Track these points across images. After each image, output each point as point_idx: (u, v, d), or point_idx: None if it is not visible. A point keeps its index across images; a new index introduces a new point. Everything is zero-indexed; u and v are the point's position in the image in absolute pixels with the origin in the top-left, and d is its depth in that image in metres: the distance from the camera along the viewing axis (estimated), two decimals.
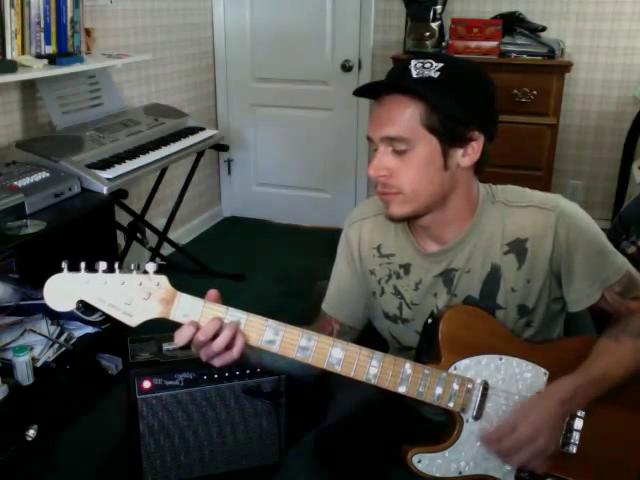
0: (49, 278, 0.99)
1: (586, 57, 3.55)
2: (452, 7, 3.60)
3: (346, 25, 3.77)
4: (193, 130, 3.02)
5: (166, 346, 1.90)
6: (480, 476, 1.17)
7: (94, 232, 2.33)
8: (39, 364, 2.13)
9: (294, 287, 3.16)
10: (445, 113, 1.10)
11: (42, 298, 1.00)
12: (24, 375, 2.04)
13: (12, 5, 2.21)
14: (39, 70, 2.28)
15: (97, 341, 2.35)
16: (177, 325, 1.03)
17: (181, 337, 1.03)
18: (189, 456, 1.93)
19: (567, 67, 3.26)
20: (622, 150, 3.48)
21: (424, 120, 1.10)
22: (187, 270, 3.38)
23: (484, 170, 1.21)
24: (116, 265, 1.00)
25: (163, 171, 3.16)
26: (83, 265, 0.99)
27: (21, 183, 2.11)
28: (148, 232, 3.17)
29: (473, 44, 3.31)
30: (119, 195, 2.39)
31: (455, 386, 1.14)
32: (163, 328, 1.17)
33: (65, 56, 2.42)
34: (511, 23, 3.35)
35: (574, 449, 1.17)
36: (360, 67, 3.81)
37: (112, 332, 2.31)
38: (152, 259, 3.29)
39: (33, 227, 1.99)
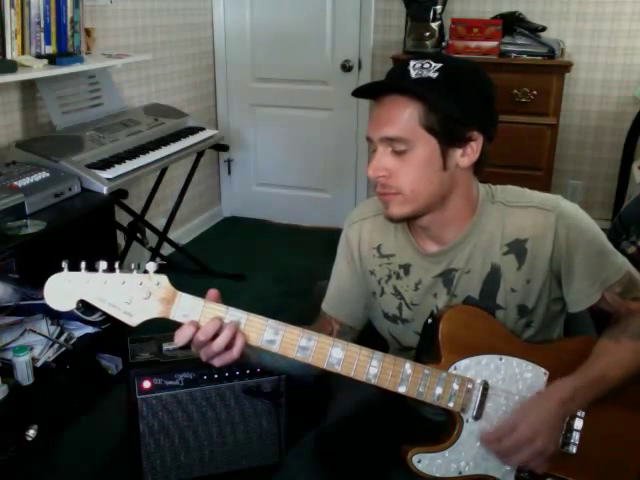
0: (49, 278, 0.99)
1: (586, 57, 3.55)
2: (452, 7, 3.60)
3: (346, 25, 3.77)
4: (193, 130, 3.02)
5: (166, 346, 1.90)
6: (480, 476, 1.17)
7: (94, 232, 2.33)
8: (39, 364, 2.13)
9: (294, 287, 3.16)
10: (444, 113, 1.10)
11: (42, 298, 1.00)
12: (24, 375, 2.04)
13: (12, 5, 2.21)
14: (39, 70, 2.28)
15: (97, 341, 2.35)
16: (177, 325, 1.03)
17: (181, 337, 1.03)
18: (189, 456, 1.93)
19: (567, 67, 3.26)
20: (622, 150, 3.48)
21: (423, 120, 1.10)
22: (187, 270, 3.38)
23: (483, 170, 1.21)
24: (116, 265, 1.00)
25: (163, 171, 3.16)
26: (83, 265, 0.99)
27: (21, 183, 2.11)
28: (148, 232, 3.17)
29: (473, 44, 3.31)
30: (119, 195, 2.39)
31: (455, 386, 1.14)
32: (163, 328, 1.17)
33: (65, 56, 2.42)
34: (511, 23, 3.35)
35: (574, 449, 1.17)
36: (360, 67, 3.81)
37: (112, 332, 2.31)
38: (152, 259, 3.29)
39: (33, 227, 1.99)
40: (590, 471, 1.18)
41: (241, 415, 1.94)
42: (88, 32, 2.68)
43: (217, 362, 1.07)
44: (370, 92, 1.19)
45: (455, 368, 1.15)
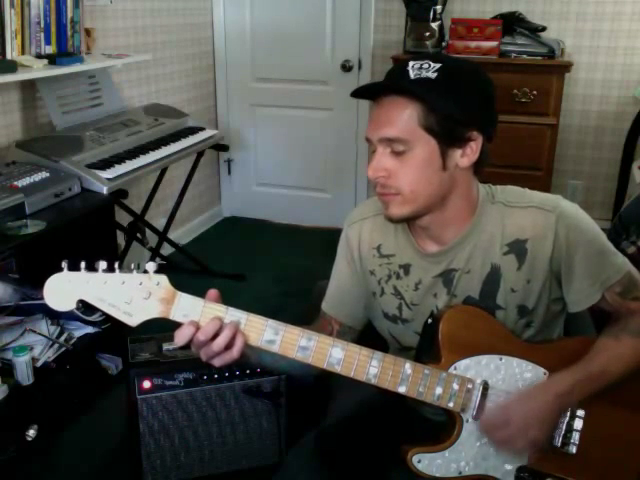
0: (49, 278, 0.99)
1: (586, 57, 3.55)
2: (452, 7, 3.60)
3: (346, 25, 3.77)
4: (193, 130, 3.02)
5: (166, 346, 1.90)
6: (480, 476, 1.17)
7: (94, 232, 2.33)
8: (39, 364, 2.13)
9: (294, 287, 3.16)
10: (443, 114, 1.10)
11: (42, 298, 1.00)
12: (24, 375, 2.04)
13: (12, 5, 2.21)
14: (39, 70, 2.28)
15: (97, 341, 2.35)
16: (177, 325, 1.03)
17: (181, 337, 1.03)
18: (189, 456, 1.93)
19: (567, 67, 3.26)
20: (622, 150, 3.48)
21: (422, 121, 1.10)
22: (187, 270, 3.38)
23: (483, 170, 1.21)
24: (116, 265, 1.00)
25: (163, 171, 3.16)
26: (83, 265, 0.99)
27: (21, 183, 2.11)
28: (148, 232, 3.17)
29: (473, 44, 3.31)
30: (119, 195, 2.39)
31: (455, 386, 1.14)
32: (163, 328, 1.17)
33: (65, 56, 2.42)
34: (511, 23, 3.35)
35: (574, 449, 1.17)
36: (360, 67, 3.81)
37: (112, 332, 2.31)
38: (152, 259, 3.29)
39: (33, 227, 1.99)
40: (590, 471, 1.18)
41: (241, 415, 1.94)
42: (88, 32, 2.68)
43: (217, 362, 1.07)
44: (369, 93, 1.19)
45: (455, 368, 1.15)
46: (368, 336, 1.36)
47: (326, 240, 3.30)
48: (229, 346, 1.04)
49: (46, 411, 2.16)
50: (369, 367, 1.10)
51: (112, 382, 2.40)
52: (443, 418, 1.20)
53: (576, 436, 1.17)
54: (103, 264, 1.00)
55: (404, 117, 1.10)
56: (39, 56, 2.35)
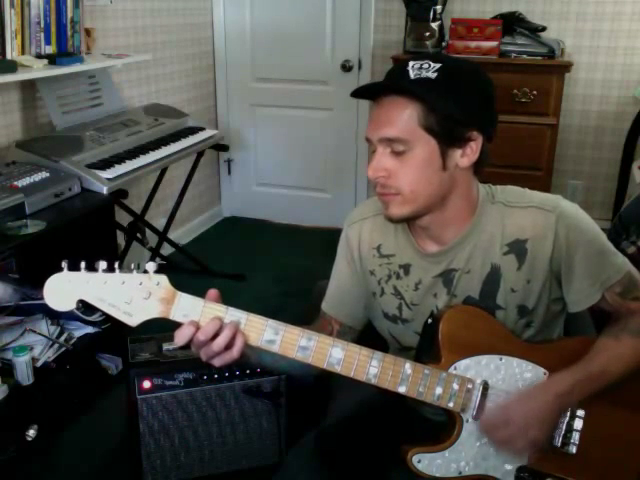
0: (49, 278, 0.99)
1: (586, 57, 3.55)
2: (452, 7, 3.60)
3: (346, 25, 3.77)
4: (193, 130, 3.02)
5: (166, 346, 1.90)
6: (480, 476, 1.17)
7: (94, 232, 2.33)
8: (39, 364, 2.13)
9: (294, 287, 3.16)
10: (443, 114, 1.10)
11: (42, 298, 1.00)
12: (24, 375, 2.04)
13: (12, 5, 2.21)
14: (39, 70, 2.28)
15: (97, 341, 2.35)
16: (177, 325, 1.03)
17: (181, 337, 1.03)
18: (189, 456, 1.93)
19: (567, 67, 3.26)
20: (622, 150, 3.48)
21: (422, 121, 1.10)
22: (187, 270, 3.38)
23: (483, 170, 1.21)
24: (116, 265, 1.00)
25: (163, 171, 3.16)
26: (83, 265, 0.99)
27: (21, 183, 2.11)
28: (148, 232, 3.17)
29: (473, 44, 3.31)
30: (119, 195, 2.39)
31: (455, 386, 1.14)
32: (163, 328, 1.17)
33: (65, 56, 2.42)
34: (511, 23, 3.35)
35: (574, 449, 1.17)
36: (360, 67, 3.81)
37: (112, 332, 2.31)
38: (152, 259, 3.29)
39: (33, 227, 1.99)
40: (590, 471, 1.18)
41: (241, 415, 1.94)
42: (88, 32, 2.68)
43: (217, 362, 1.07)
44: (369, 93, 1.19)
45: (455, 368, 1.15)
46: (368, 336, 1.36)
47: (326, 240, 3.30)
48: (229, 346, 1.04)
49: (46, 411, 2.16)
50: (369, 367, 1.10)
51: (112, 382, 2.40)
52: (443, 418, 1.20)
53: (576, 436, 1.17)
54: (103, 264, 1.00)
55: (404, 117, 1.10)
56: (39, 56, 2.35)
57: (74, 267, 0.99)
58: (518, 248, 1.19)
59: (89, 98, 2.73)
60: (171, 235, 3.48)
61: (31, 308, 2.27)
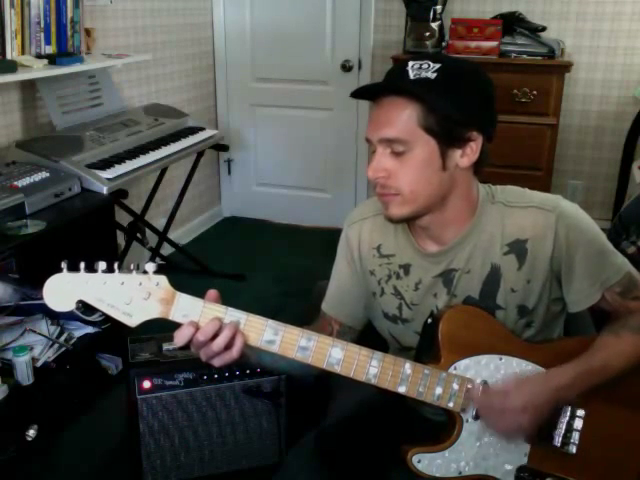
0: (49, 278, 0.99)
1: (586, 57, 3.55)
2: (452, 7, 3.60)
3: (346, 25, 3.77)
4: (193, 130, 3.02)
5: (166, 346, 1.90)
6: (480, 476, 1.18)
7: (94, 232, 2.33)
8: (39, 364, 2.13)
9: (294, 287, 3.16)
10: (442, 114, 1.10)
11: (42, 298, 1.00)
12: (24, 375, 2.04)
13: (12, 5, 2.21)
14: (39, 70, 2.28)
15: (97, 341, 2.35)
16: (177, 325, 1.04)
17: (181, 337, 1.03)
18: (189, 456, 1.93)
19: (567, 67, 3.26)
20: (622, 150, 3.48)
21: (422, 121, 1.10)
22: (187, 270, 3.38)
23: (483, 170, 1.21)
24: (115, 265, 1.00)
25: (163, 171, 3.16)
26: (83, 265, 0.99)
27: (21, 183, 2.11)
28: (148, 232, 3.17)
29: (473, 44, 3.31)
30: (119, 195, 2.39)
31: (455, 386, 1.14)
32: (163, 328, 1.17)
33: (65, 56, 2.42)
34: (511, 23, 3.35)
35: (574, 449, 1.17)
36: (360, 67, 3.81)
37: (112, 332, 2.31)
38: (152, 259, 3.29)
39: (33, 227, 1.99)
40: (590, 471, 1.19)
41: (241, 415, 1.94)
42: (88, 32, 2.68)
43: (217, 362, 1.07)
44: (369, 93, 1.19)
45: (455, 368, 1.15)
46: (368, 336, 1.36)
47: (326, 240, 3.30)
48: (229, 346, 1.04)
49: (46, 411, 2.16)
50: (369, 367, 1.10)
51: (112, 382, 2.40)
52: (443, 418, 1.20)
53: (576, 436, 1.17)
54: (102, 264, 1.00)
55: (403, 117, 1.10)
56: (39, 56, 2.35)
57: (74, 267, 0.99)
58: (518, 248, 1.19)
59: (89, 98, 2.73)
60: (171, 235, 3.48)
61: (31, 308, 2.27)
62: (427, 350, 1.19)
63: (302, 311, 1.65)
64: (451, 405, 1.14)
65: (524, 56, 3.30)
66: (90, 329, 2.34)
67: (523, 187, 1.26)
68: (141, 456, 1.89)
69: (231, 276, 3.38)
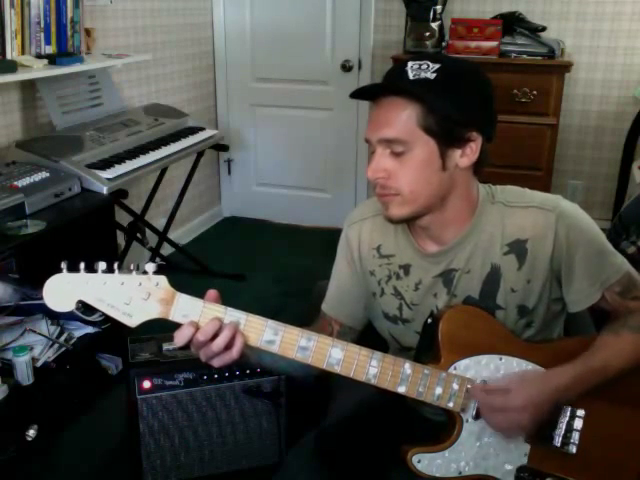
0: (49, 278, 0.99)
1: (586, 57, 3.55)
2: (452, 7, 3.60)
3: (346, 25, 3.77)
4: (193, 130, 3.02)
5: (166, 346, 1.90)
6: (480, 476, 1.18)
7: (94, 232, 2.33)
8: (39, 364, 2.13)
9: (294, 287, 3.16)
10: (442, 114, 1.10)
11: (42, 298, 1.00)
12: (24, 375, 2.04)
13: (12, 5, 2.21)
14: (39, 70, 2.28)
15: (97, 341, 2.35)
16: (177, 325, 1.04)
17: (181, 337, 1.03)
18: (189, 456, 1.93)
19: (567, 67, 3.26)
20: (622, 150, 3.48)
21: (421, 122, 1.10)
22: (187, 270, 3.38)
23: (483, 170, 1.21)
24: (115, 265, 1.00)
25: (163, 171, 3.16)
26: (82, 265, 0.99)
27: (21, 183, 2.11)
28: (148, 232, 3.17)
29: (473, 44, 3.31)
30: (119, 195, 2.39)
31: (455, 386, 1.14)
32: (163, 328, 1.17)
33: (65, 56, 2.42)
34: (511, 23, 3.35)
35: (574, 449, 1.17)
36: (360, 67, 3.81)
37: (112, 332, 2.31)
38: (152, 259, 3.29)
39: (33, 227, 1.99)
40: (590, 471, 1.18)
41: (241, 415, 1.94)
42: (88, 32, 2.68)
43: (216, 362, 1.07)
44: (368, 94, 1.19)
45: (455, 368, 1.15)
46: (368, 336, 1.36)
47: (326, 240, 3.30)
48: (228, 346, 1.04)
49: (46, 411, 2.16)
50: (369, 367, 1.10)
51: (112, 382, 2.41)
52: (443, 418, 1.20)
53: (576, 436, 1.17)
54: (102, 265, 1.00)
55: (403, 118, 1.10)
56: (39, 56, 2.35)
57: (74, 267, 0.99)
58: (518, 248, 1.19)
59: (89, 98, 2.73)
60: (171, 235, 3.48)
61: (31, 308, 2.27)
62: (427, 350, 1.19)
63: (302, 311, 1.65)
64: (451, 405, 1.14)
65: (524, 56, 3.30)
66: (90, 329, 2.34)
67: (523, 187, 1.26)
68: (141, 456, 1.89)
69: (231, 276, 3.38)
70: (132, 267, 1.01)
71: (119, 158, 2.48)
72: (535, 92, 3.21)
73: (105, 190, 2.28)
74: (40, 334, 2.20)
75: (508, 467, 1.17)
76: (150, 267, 1.01)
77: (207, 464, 1.95)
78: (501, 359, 1.16)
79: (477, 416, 1.15)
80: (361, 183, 4.03)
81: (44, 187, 2.15)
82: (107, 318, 2.02)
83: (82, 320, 2.32)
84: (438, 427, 1.22)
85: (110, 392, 2.34)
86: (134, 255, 3.13)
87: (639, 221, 1.77)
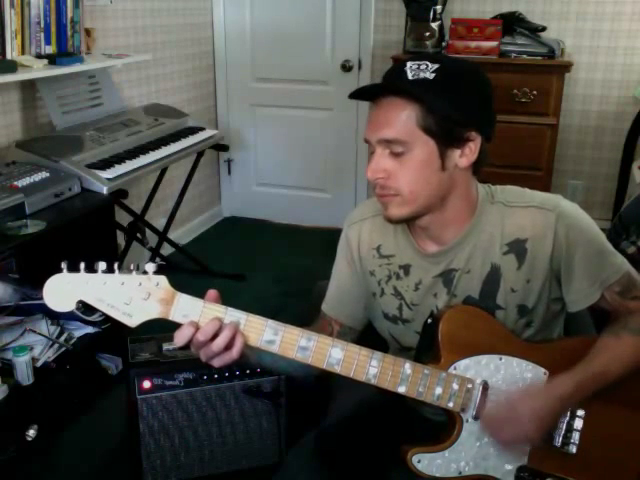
0: (49, 278, 0.99)
1: (586, 57, 3.55)
2: (452, 7, 3.60)
3: (346, 25, 3.77)
4: (193, 130, 3.02)
5: (166, 346, 1.90)
6: (480, 476, 1.18)
7: (94, 232, 2.33)
8: (39, 364, 2.13)
9: (294, 287, 3.16)
10: (441, 114, 1.10)
11: (42, 298, 1.00)
12: (24, 375, 2.04)
13: (12, 5, 2.21)
14: (39, 70, 2.28)
15: (97, 341, 2.35)
16: (177, 325, 1.04)
17: (181, 337, 1.03)
18: (189, 456, 1.93)
19: (567, 67, 3.26)
20: (622, 150, 3.48)
21: (420, 122, 1.10)
22: (187, 270, 3.38)
23: (483, 170, 1.21)
24: (115, 265, 1.00)
25: (163, 171, 3.16)
26: (83, 265, 0.99)
27: (21, 183, 2.11)
28: (148, 232, 3.17)
29: (473, 44, 3.31)
30: (119, 195, 2.39)
31: (455, 386, 1.14)
32: (163, 328, 1.17)
33: (65, 56, 2.42)
34: (511, 23, 3.35)
35: (574, 449, 1.17)
36: (360, 67, 3.81)
37: (112, 332, 2.31)
38: (152, 259, 3.29)
39: (33, 227, 1.99)
40: (590, 471, 1.18)
41: (241, 415, 1.94)
42: (88, 32, 2.68)
43: (216, 362, 1.07)
44: (367, 94, 1.19)
45: (455, 368, 1.15)
46: (368, 336, 1.36)
47: (326, 240, 3.30)
48: (229, 346, 1.04)
49: (46, 411, 2.16)
50: (369, 367, 1.10)
51: (112, 382, 2.41)
52: (443, 418, 1.20)
53: (576, 436, 1.17)
54: (102, 265, 1.00)
55: (402, 118, 1.10)
56: (39, 56, 2.35)
57: (74, 267, 0.99)
58: (518, 248, 1.19)
59: (89, 98, 2.73)
60: (171, 235, 3.48)
61: (31, 308, 2.27)
62: (427, 350, 1.19)
63: (302, 311, 1.65)
64: (451, 405, 1.14)
65: (524, 56, 3.30)
66: (90, 329, 2.34)
67: (523, 187, 1.26)
68: (141, 456, 1.89)
69: (231, 276, 3.38)
70: (132, 267, 1.01)
71: (119, 158, 2.48)
72: (535, 92, 3.21)
73: (105, 190, 2.28)
74: (40, 334, 2.20)
75: (508, 467, 1.17)
76: (150, 267, 1.01)
77: (207, 464, 1.95)
78: (501, 359, 1.16)
79: (477, 416, 1.15)
80: (361, 183, 4.03)
81: (44, 187, 2.15)
82: (107, 318, 2.02)
83: (82, 320, 2.32)
84: (438, 427, 1.22)
85: (110, 392, 2.34)
86: (134, 255, 3.13)
87: (639, 221, 1.77)
